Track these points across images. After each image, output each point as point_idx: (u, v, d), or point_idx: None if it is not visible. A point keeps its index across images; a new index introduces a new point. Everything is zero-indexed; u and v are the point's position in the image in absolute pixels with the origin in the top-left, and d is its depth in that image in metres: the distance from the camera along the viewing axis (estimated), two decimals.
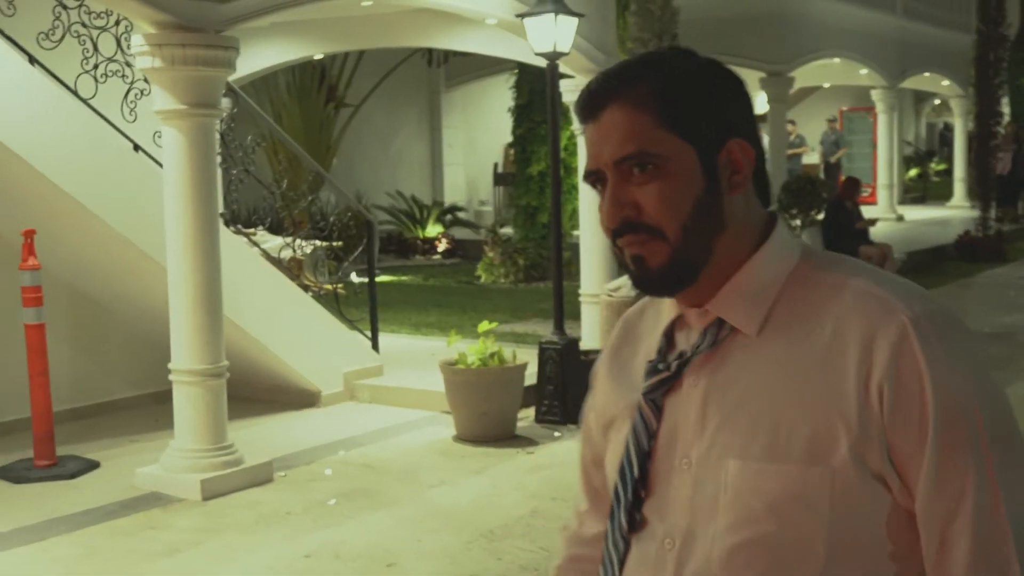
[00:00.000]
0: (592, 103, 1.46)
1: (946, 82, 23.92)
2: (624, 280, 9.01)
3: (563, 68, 8.80)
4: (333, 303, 9.09)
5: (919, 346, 1.33)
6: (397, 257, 17.31)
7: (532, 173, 15.34)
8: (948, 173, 31.35)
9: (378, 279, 10.01)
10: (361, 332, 9.17)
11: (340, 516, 6.05)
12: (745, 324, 1.44)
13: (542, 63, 8.70)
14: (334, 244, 10.33)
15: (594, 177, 1.47)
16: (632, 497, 1.49)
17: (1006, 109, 21.33)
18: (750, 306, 1.44)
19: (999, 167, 19.18)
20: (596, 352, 7.73)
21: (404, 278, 15.33)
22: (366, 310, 9.37)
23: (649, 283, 1.46)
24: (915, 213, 22.33)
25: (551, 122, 8.47)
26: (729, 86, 1.47)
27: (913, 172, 29.66)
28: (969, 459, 1.31)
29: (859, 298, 1.38)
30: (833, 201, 13.11)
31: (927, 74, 22.84)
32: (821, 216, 13.09)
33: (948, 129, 39.33)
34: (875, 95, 21.59)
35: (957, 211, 22.90)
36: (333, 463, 7.03)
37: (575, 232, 12.17)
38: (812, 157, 24.78)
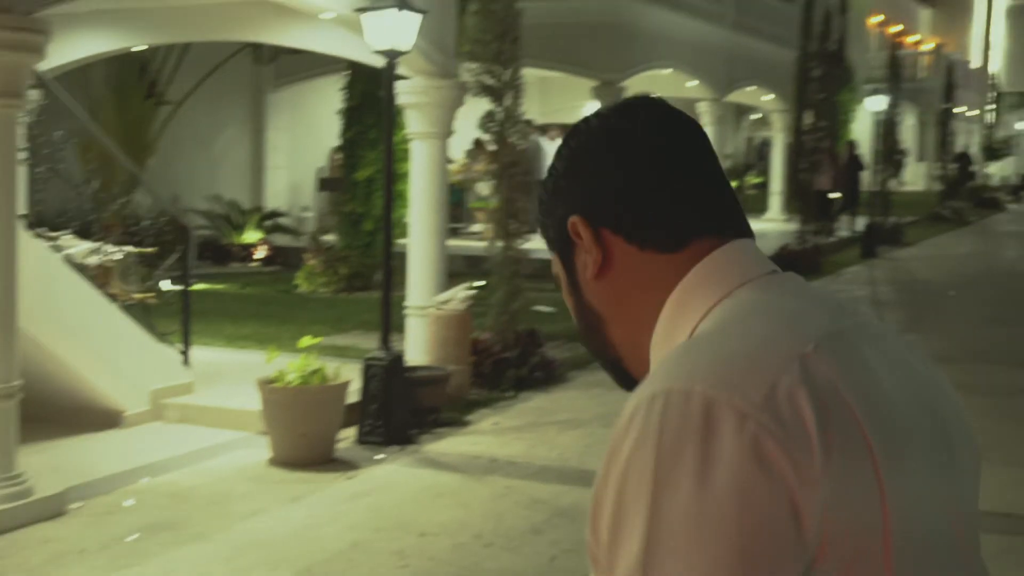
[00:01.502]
0: None
1: (769, 96, 24.36)
2: (454, 292, 8.65)
3: (400, 69, 8.40)
4: (142, 314, 8.47)
5: (620, 437, 1.06)
6: (213, 264, 16.56)
7: (359, 179, 14.86)
8: (763, 186, 32.12)
9: (192, 288, 9.40)
10: (171, 346, 8.57)
11: (141, 554, 5.51)
12: None
13: (377, 63, 8.30)
14: (147, 250, 9.68)
15: None
16: None
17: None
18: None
19: (820, 183, 19.58)
20: (424, 368, 7.35)
21: (220, 286, 14.64)
22: (178, 321, 8.77)
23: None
24: None
25: (386, 125, 8.05)
26: (580, 154, 1.26)
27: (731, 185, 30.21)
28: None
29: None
30: None
31: (752, 88, 23.21)
32: None
33: (765, 143, 40.33)
34: (702, 107, 21.82)
35: (772, 224, 23.34)
36: (135, 492, 6.45)
37: (400, 241, 11.79)
38: None
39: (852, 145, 24.16)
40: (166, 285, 9.87)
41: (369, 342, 10.41)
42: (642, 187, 1.22)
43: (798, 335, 1.09)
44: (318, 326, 11.21)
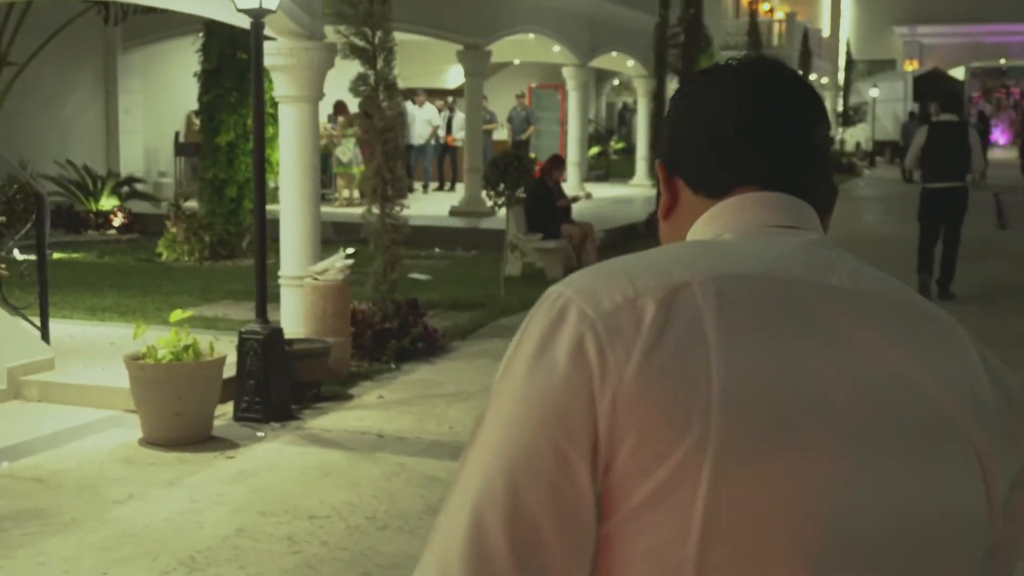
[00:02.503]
0: None
1: (631, 62, 24.39)
2: (331, 262, 8.31)
3: (264, 29, 7.99)
4: None
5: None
6: (67, 232, 15.78)
7: (220, 143, 14.27)
8: (627, 152, 32.28)
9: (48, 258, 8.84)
10: (27, 320, 8.06)
11: (7, 545, 5.10)
12: None
13: (237, 23, 7.88)
14: None
15: None
16: None
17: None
18: None
19: None
20: (302, 340, 7.02)
21: (76, 255, 13.97)
22: (33, 293, 8.25)
23: None
24: (601, 191, 22.66)
25: (255, 88, 7.62)
26: (672, 102, 1.36)
27: (595, 150, 30.27)
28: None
29: None
30: (535, 180, 12.83)
31: (615, 54, 23.21)
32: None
33: (627, 109, 40.56)
34: (566, 72, 21.72)
35: (639, 189, 23.48)
36: None
37: (269, 208, 11.32)
38: (501, 133, 24.76)
39: None
40: (16, 254, 9.29)
41: (239, 313, 10.03)
42: (699, 140, 1.28)
43: (699, 269, 1.11)
44: (184, 296, 10.77)
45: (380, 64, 9.34)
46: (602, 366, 1.05)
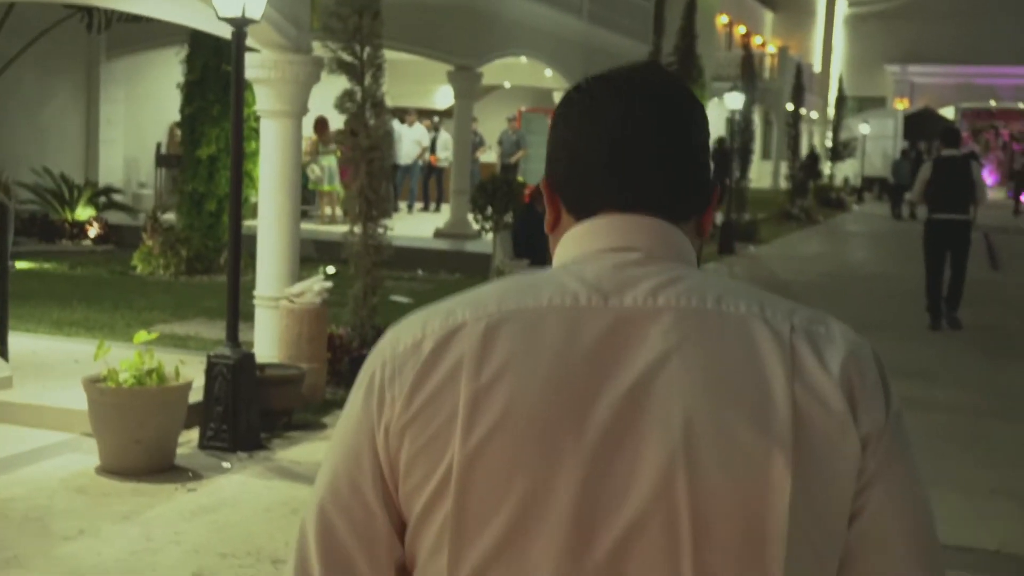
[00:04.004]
0: None
1: None
2: (309, 284, 7.93)
3: (248, 42, 7.63)
4: None
5: None
6: (41, 241, 15.36)
7: (201, 156, 13.92)
8: None
9: (17, 266, 8.44)
10: None
11: None
12: None
13: (221, 33, 7.54)
14: None
15: None
16: None
17: None
18: None
19: None
20: (275, 366, 6.62)
21: (47, 265, 13.54)
22: None
23: None
24: None
25: (235, 99, 7.27)
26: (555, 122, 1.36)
27: None
28: None
29: None
30: (524, 204, 12.49)
31: None
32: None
33: None
34: (558, 97, 21.44)
35: None
36: None
37: (248, 223, 10.96)
38: (489, 156, 24.47)
39: (721, 142, 24.10)
40: None
41: (213, 332, 9.64)
42: (568, 163, 1.32)
43: (483, 309, 1.22)
44: (156, 312, 10.38)
45: (368, 81, 8.99)
46: (380, 403, 1.22)
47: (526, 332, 1.19)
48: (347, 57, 8.90)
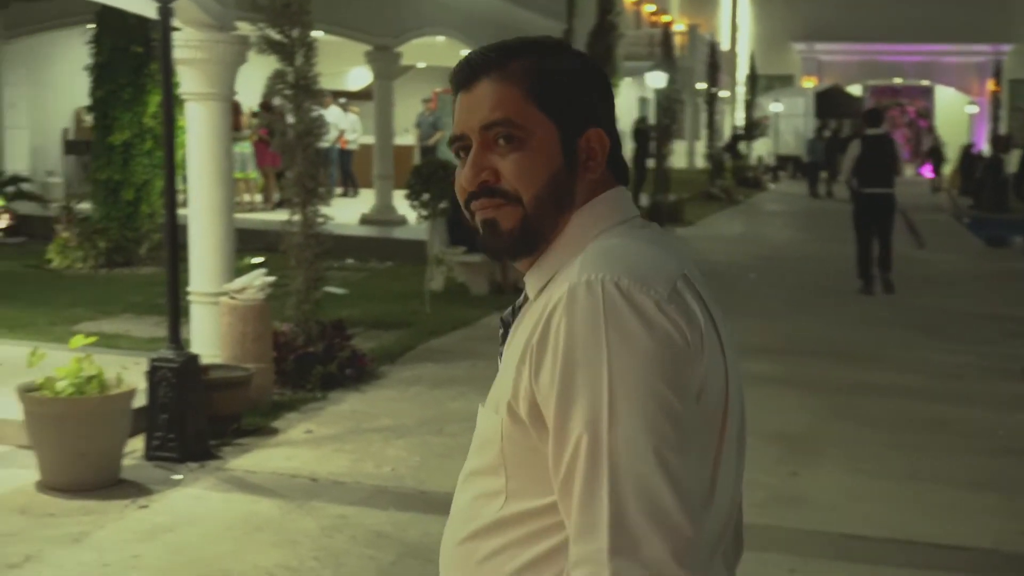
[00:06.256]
0: (468, 73, 1.61)
1: None
2: (250, 279, 7.51)
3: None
4: None
5: (564, 309, 1.47)
6: None
7: (115, 143, 13.28)
8: None
9: None
10: None
11: None
12: (530, 291, 1.63)
13: (137, 11, 7.05)
14: None
15: (459, 143, 1.62)
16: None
17: None
18: (538, 276, 1.61)
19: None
20: (220, 367, 6.19)
21: None
22: None
23: (498, 247, 1.62)
24: None
25: (164, 82, 6.78)
26: (596, 80, 1.65)
27: None
28: (582, 411, 1.43)
29: (576, 264, 1.53)
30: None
31: None
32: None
33: None
34: None
35: None
36: None
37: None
38: (406, 138, 24.01)
39: (643, 122, 23.93)
40: None
41: (142, 328, 9.18)
42: (613, 125, 1.67)
43: (677, 262, 1.55)
44: (80, 309, 9.87)
45: (299, 61, 8.56)
46: (690, 338, 1.48)
47: (703, 286, 1.57)
48: (276, 36, 8.46)
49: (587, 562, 1.41)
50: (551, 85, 1.57)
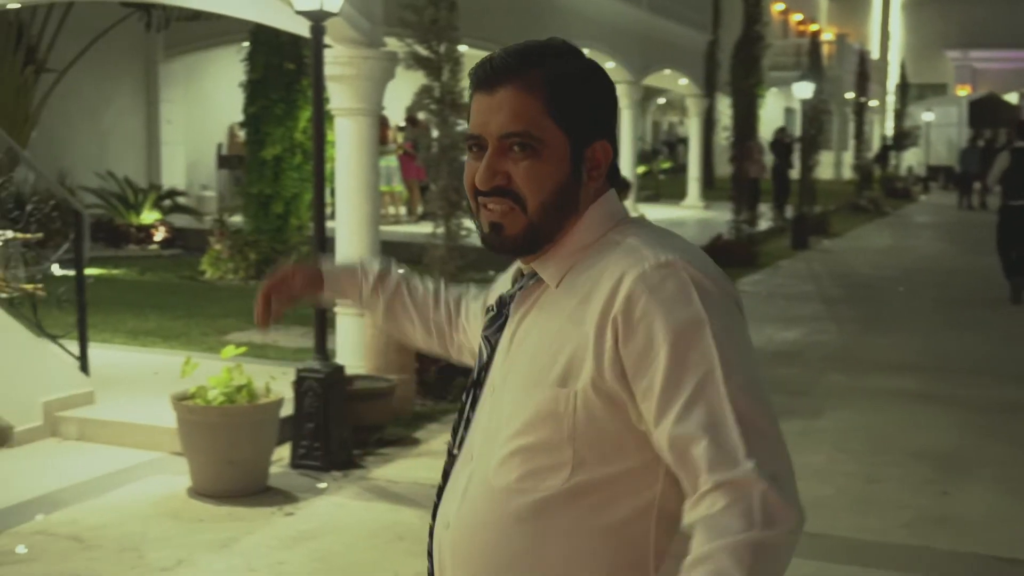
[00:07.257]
0: (490, 77, 1.70)
1: (684, 80, 23.69)
2: None
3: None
4: (29, 310, 7.28)
5: (649, 286, 1.61)
6: (107, 246, 15.17)
7: (266, 157, 13.63)
8: (673, 171, 31.57)
9: (86, 273, 8.16)
10: (64, 348, 7.39)
11: None
12: (550, 279, 1.74)
13: (290, 29, 7.21)
14: (31, 236, 8.39)
15: (475, 141, 1.72)
16: (463, 422, 1.83)
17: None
18: (556, 265, 1.73)
19: (753, 171, 18.91)
20: (364, 378, 6.28)
21: (116, 271, 13.35)
22: (70, 315, 7.57)
23: (501, 247, 1.72)
24: (653, 212, 21.88)
25: (315, 97, 6.96)
26: (607, 90, 1.75)
27: (641, 170, 29.60)
28: (696, 368, 1.58)
29: (623, 251, 1.67)
30: None
31: (668, 71, 22.53)
32: None
33: (671, 128, 39.83)
34: (619, 90, 21.01)
35: (691, 211, 22.82)
36: (28, 534, 5.31)
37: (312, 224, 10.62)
38: None
39: (784, 132, 23.57)
40: (56, 269, 8.60)
41: (290, 339, 9.37)
42: (615, 138, 1.81)
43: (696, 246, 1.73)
44: (230, 320, 10.14)
45: (446, 76, 8.66)
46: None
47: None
48: (424, 52, 8.57)
49: (732, 485, 1.53)
50: (567, 98, 1.69)
